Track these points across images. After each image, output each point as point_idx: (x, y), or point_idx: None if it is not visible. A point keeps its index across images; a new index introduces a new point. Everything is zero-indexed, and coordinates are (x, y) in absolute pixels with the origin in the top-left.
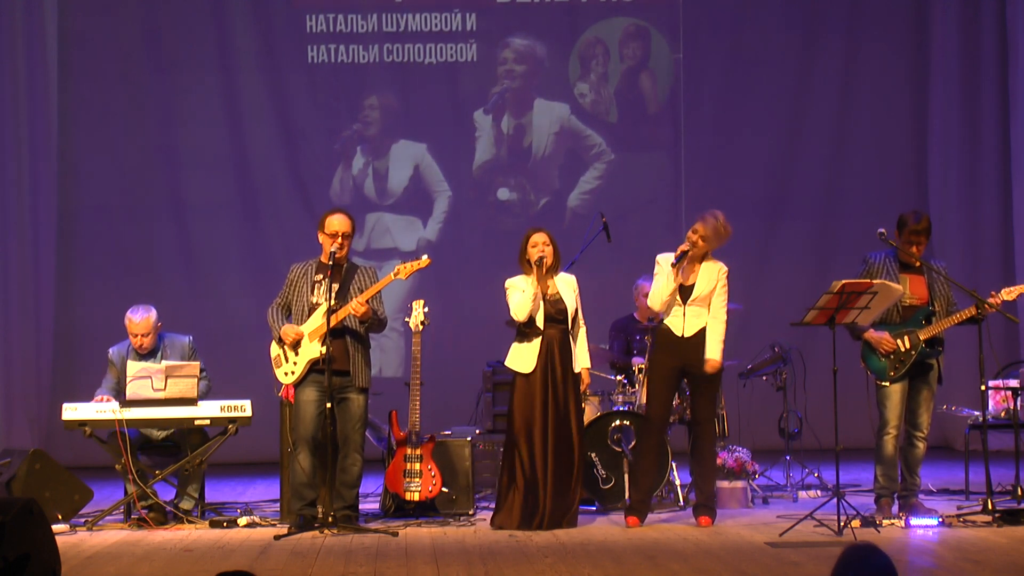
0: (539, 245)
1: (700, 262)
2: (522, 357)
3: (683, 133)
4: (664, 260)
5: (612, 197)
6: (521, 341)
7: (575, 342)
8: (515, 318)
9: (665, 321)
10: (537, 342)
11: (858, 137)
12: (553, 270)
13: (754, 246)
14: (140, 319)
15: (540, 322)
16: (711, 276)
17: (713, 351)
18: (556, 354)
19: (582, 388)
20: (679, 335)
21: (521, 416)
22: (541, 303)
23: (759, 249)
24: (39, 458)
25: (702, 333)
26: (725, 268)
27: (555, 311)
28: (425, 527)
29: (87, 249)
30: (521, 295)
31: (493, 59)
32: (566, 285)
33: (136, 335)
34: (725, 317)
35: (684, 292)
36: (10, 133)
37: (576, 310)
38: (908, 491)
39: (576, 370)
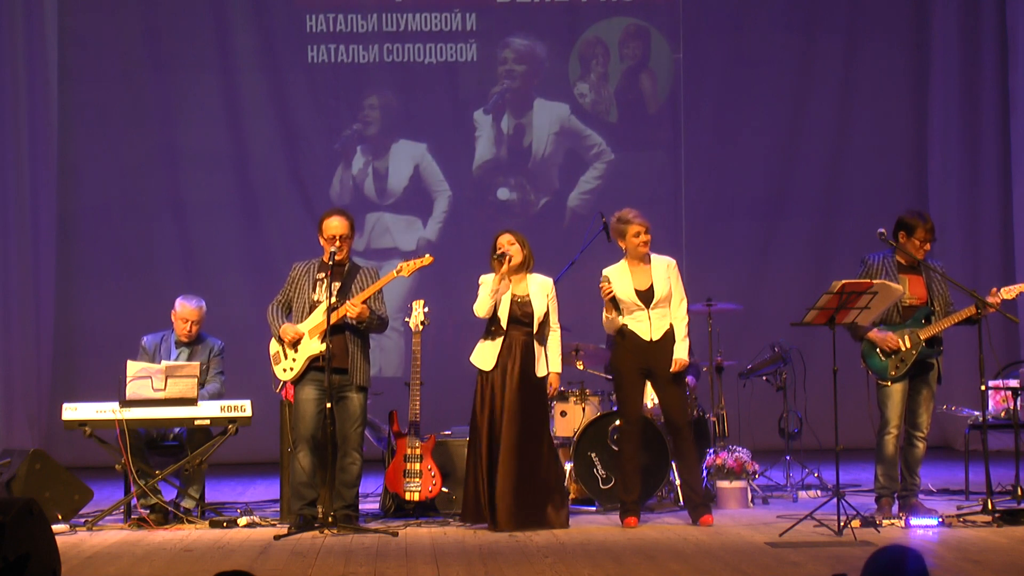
0: (504, 245)
1: (646, 262)
2: (484, 355)
3: (683, 133)
4: (611, 275)
5: (612, 197)
6: (486, 339)
7: (543, 346)
8: (476, 314)
9: (630, 326)
10: (499, 342)
11: (858, 137)
12: (522, 269)
13: (754, 246)
14: (195, 306)
15: (504, 322)
16: (665, 274)
17: (681, 351)
18: (517, 356)
19: (550, 393)
20: (647, 339)
21: (478, 414)
22: (507, 304)
23: (759, 249)
24: (39, 458)
25: (667, 335)
26: (673, 262)
27: (521, 313)
28: (425, 527)
29: (87, 249)
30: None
31: (493, 59)
32: (539, 289)
33: (187, 320)
34: (686, 314)
35: (645, 296)
36: (10, 133)
37: (546, 314)
38: (908, 491)
39: (540, 374)
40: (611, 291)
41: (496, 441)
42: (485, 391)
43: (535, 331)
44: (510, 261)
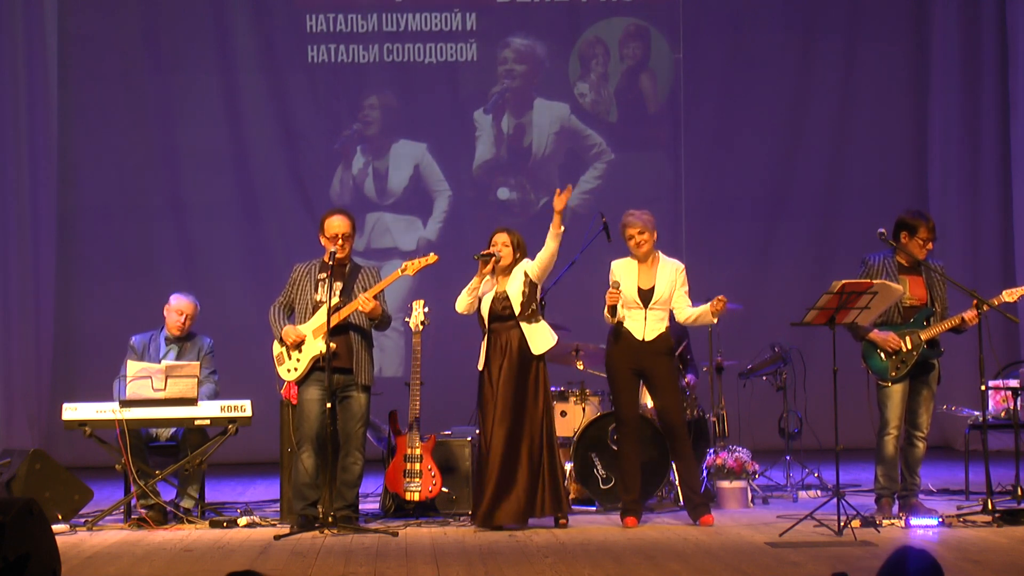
0: (497, 245)
1: (654, 263)
2: (481, 355)
3: (683, 133)
4: (615, 268)
5: (612, 197)
6: (482, 339)
7: (532, 323)
8: (456, 309)
9: (625, 323)
10: (486, 340)
11: (858, 137)
12: (509, 269)
13: (754, 246)
14: (187, 299)
15: (486, 321)
16: (670, 277)
17: (706, 306)
18: (507, 350)
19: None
20: (639, 339)
21: (481, 413)
22: (488, 302)
23: (759, 249)
24: (39, 458)
25: (661, 338)
26: (682, 266)
27: (500, 307)
28: (425, 527)
29: (87, 249)
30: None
31: (493, 59)
32: (516, 275)
33: (182, 313)
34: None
35: (644, 296)
36: (10, 133)
37: (525, 295)
38: (908, 491)
39: (537, 351)
40: (618, 299)
41: (494, 439)
42: (483, 390)
43: (519, 314)
44: (496, 263)
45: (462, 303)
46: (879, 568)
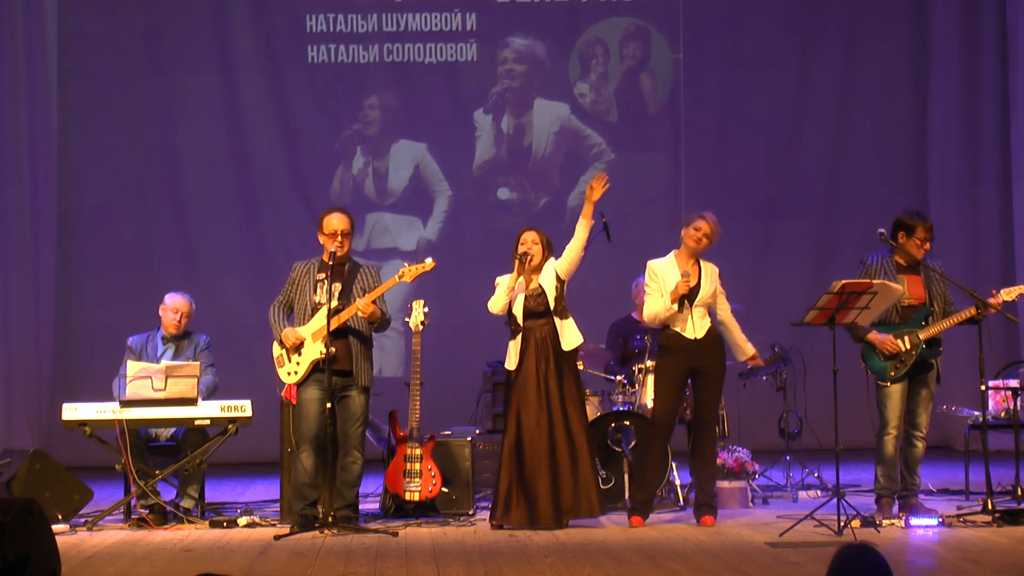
0: (527, 243)
1: (695, 264)
2: (510, 354)
3: (683, 133)
4: (657, 268)
5: (612, 197)
6: (511, 339)
7: (564, 319)
8: (490, 310)
9: (673, 326)
10: (519, 339)
11: (858, 137)
12: (538, 268)
13: (754, 246)
14: (182, 298)
15: (520, 319)
16: (711, 277)
17: (748, 347)
18: (544, 346)
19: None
20: (691, 338)
21: (510, 413)
22: (522, 301)
23: (759, 249)
24: (39, 458)
25: (710, 333)
26: (717, 269)
27: (535, 304)
28: (425, 527)
29: (87, 249)
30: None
31: (493, 59)
32: (547, 271)
33: (178, 311)
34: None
35: (689, 294)
36: (10, 133)
37: (559, 287)
38: (908, 491)
39: (567, 347)
40: (687, 288)
41: (539, 439)
42: (515, 389)
43: (552, 309)
44: (531, 261)
45: (499, 303)
46: (834, 559)
